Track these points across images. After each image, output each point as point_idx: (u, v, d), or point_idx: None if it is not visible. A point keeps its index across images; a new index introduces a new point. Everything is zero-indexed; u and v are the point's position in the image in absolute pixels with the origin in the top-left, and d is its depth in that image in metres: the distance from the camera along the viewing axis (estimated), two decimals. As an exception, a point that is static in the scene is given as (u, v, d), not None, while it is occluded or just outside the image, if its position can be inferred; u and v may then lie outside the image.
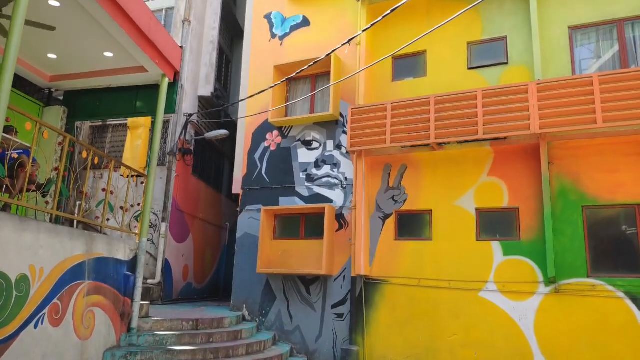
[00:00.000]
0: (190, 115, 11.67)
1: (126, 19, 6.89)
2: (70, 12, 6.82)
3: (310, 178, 10.31)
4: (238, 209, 11.01)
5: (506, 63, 8.99)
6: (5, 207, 5.95)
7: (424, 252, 8.83)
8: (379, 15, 7.06)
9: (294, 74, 9.17)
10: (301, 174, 10.43)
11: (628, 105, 7.14)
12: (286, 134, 10.83)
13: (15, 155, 6.01)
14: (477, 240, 8.46)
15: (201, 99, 12.62)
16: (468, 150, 8.78)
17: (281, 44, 11.41)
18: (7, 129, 6.01)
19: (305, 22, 11.26)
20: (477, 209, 8.59)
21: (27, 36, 7.38)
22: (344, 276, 9.46)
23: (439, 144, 8.62)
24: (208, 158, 13.58)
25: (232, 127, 13.11)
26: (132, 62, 8.12)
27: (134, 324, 7.12)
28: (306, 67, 8.45)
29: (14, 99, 7.66)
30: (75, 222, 7.83)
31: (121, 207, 7.44)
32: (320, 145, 10.38)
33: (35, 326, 5.32)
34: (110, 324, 6.70)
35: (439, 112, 8.50)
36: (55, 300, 5.62)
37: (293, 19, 11.44)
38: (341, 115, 10.25)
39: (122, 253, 7.12)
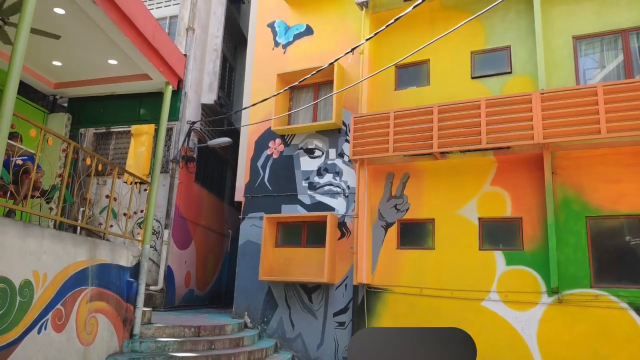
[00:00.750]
0: (194, 122, 11.71)
1: (131, 27, 6.94)
2: (75, 20, 6.86)
3: (312, 186, 10.31)
4: (240, 217, 11.02)
5: (510, 72, 9.00)
6: (10, 213, 5.97)
7: (426, 261, 8.81)
8: (382, 24, 7.08)
9: (296, 83, 9.19)
10: (303, 182, 10.44)
11: (632, 116, 7.13)
12: (289, 142, 10.85)
13: (19, 162, 6.04)
14: (480, 249, 8.44)
15: (204, 107, 12.66)
16: (471, 160, 8.78)
17: (284, 53, 11.46)
18: (12, 136, 6.04)
19: (309, 31, 11.31)
20: (479, 219, 8.58)
21: (32, 44, 7.41)
22: (346, 284, 9.44)
23: (442, 153, 8.63)
24: (211, 165, 13.61)
25: (234, 134, 13.14)
26: (136, 69, 8.17)
27: (137, 330, 7.12)
28: (309, 75, 8.46)
29: (19, 105, 7.68)
30: (79, 228, 7.85)
31: (124, 214, 7.45)
32: (323, 153, 10.39)
33: (39, 332, 5.33)
34: (113, 330, 6.69)
35: (442, 121, 8.51)
36: (58, 306, 5.62)
37: (296, 27, 11.50)
38: (344, 123, 10.28)
39: (125, 259, 7.13)
